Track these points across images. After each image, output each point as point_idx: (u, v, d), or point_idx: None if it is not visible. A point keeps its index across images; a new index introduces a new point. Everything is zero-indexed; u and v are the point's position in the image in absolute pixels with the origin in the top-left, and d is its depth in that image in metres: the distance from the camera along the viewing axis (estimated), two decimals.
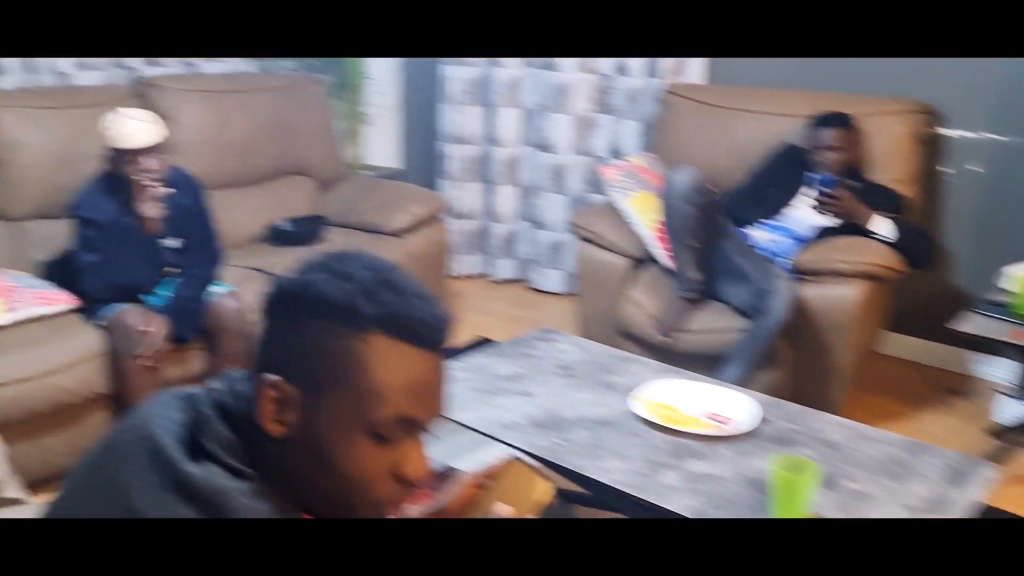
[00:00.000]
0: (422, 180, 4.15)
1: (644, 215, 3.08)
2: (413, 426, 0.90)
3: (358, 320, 0.86)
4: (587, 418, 2.02)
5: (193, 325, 2.57)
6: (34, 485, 2.36)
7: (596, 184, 3.95)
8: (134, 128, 2.45)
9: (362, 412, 0.86)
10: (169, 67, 3.83)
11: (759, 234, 3.01)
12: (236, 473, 0.86)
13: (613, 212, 3.19)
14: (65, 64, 3.49)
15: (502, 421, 2.01)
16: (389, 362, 0.87)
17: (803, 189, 3.03)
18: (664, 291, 2.97)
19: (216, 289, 2.67)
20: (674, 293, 2.91)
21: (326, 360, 0.87)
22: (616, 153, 3.86)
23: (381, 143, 4.52)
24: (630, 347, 2.97)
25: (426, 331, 0.89)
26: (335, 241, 3.30)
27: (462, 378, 2.21)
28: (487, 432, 1.97)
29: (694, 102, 3.47)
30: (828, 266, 2.76)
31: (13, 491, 1.65)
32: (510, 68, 3.98)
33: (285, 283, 0.90)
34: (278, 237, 3.30)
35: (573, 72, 3.81)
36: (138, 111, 2.53)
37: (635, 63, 3.68)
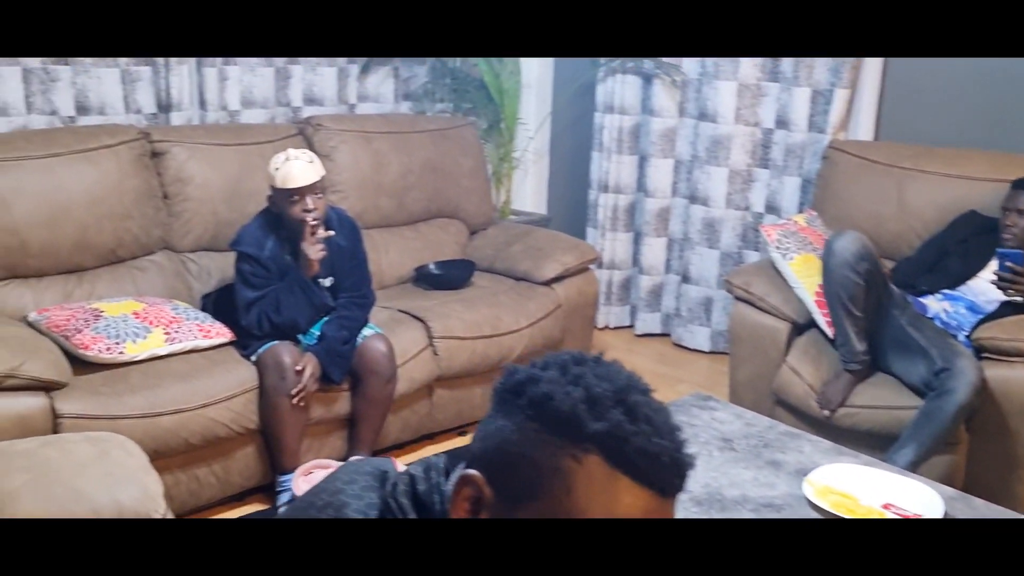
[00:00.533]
0: (567, 227, 4.09)
1: (805, 278, 2.91)
2: None
3: (576, 433, 0.75)
4: (752, 498, 1.87)
5: (343, 367, 2.56)
6: (181, 515, 2.39)
7: (751, 240, 3.79)
8: (297, 168, 2.48)
9: None
10: (327, 107, 3.93)
11: (934, 304, 2.79)
12: None
13: (772, 272, 3.03)
14: (233, 101, 3.62)
15: None
16: (600, 493, 0.74)
17: (987, 261, 2.79)
18: (825, 360, 2.78)
19: (366, 331, 2.66)
20: (837, 365, 2.71)
21: (531, 471, 0.76)
22: (773, 209, 3.69)
23: (528, 189, 4.49)
24: (785, 417, 2.79)
25: (653, 468, 0.75)
26: (483, 287, 3.25)
27: None
28: None
29: (861, 159, 3.28)
30: (1015, 345, 2.51)
31: None
32: (666, 118, 3.88)
33: (515, 372, 0.81)
34: (426, 280, 3.29)
35: (731, 124, 3.68)
36: (302, 151, 2.56)
37: (799, 117, 3.52)
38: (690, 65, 3.81)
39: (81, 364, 2.35)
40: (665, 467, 0.76)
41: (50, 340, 2.36)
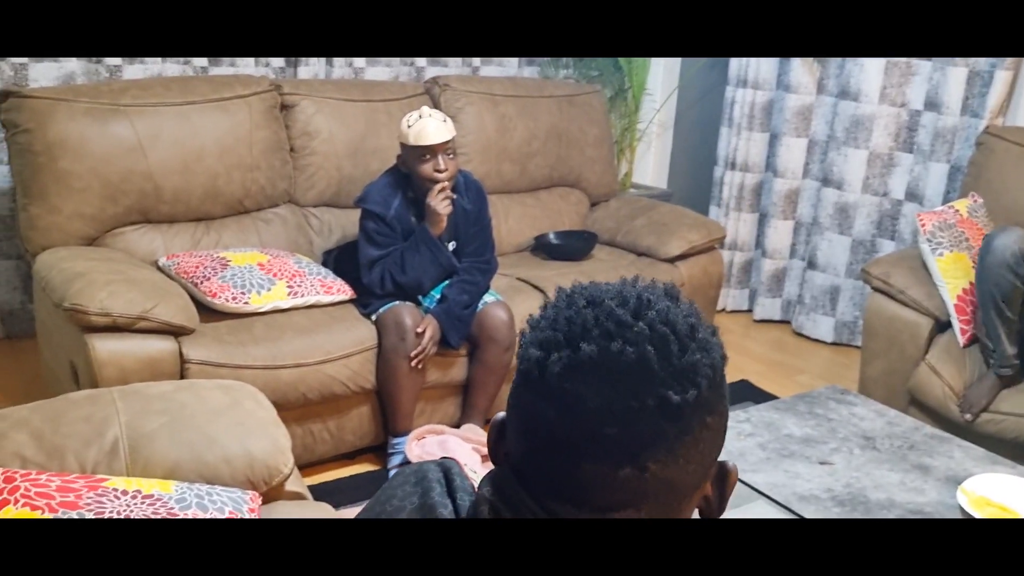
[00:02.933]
0: (688, 204, 3.94)
1: (951, 279, 2.71)
2: None
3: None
4: (899, 503, 1.74)
5: (463, 332, 2.51)
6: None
7: (887, 228, 3.59)
8: (432, 126, 2.42)
9: None
10: (451, 68, 3.87)
11: None
12: None
13: (915, 263, 2.84)
14: (358, 58, 3.60)
15: (797, 491, 1.77)
16: None
17: None
18: (969, 361, 2.60)
19: (487, 298, 2.61)
20: (988, 369, 2.53)
21: None
22: (915, 197, 3.47)
23: (650, 162, 4.36)
24: (920, 417, 2.62)
25: None
26: (603, 260, 3.16)
27: (746, 432, 1.99)
28: (781, 502, 1.74)
29: (1022, 147, 3.03)
30: None
31: (298, 485, 1.62)
32: (803, 95, 3.69)
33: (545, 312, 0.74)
34: (545, 249, 3.22)
35: (875, 104, 3.47)
36: (434, 110, 2.51)
37: (952, 99, 3.28)
38: None
39: (207, 311, 2.37)
40: None
41: (179, 285, 2.38)
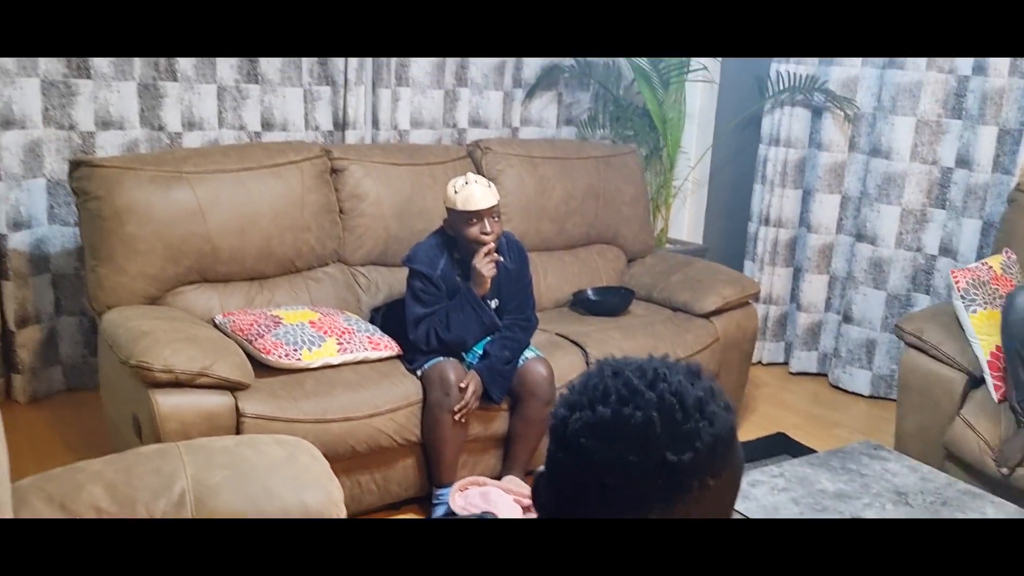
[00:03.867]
0: (723, 259, 4.03)
1: (984, 335, 2.75)
2: None
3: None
4: None
5: (504, 387, 2.61)
6: None
7: (921, 283, 3.63)
8: (478, 191, 2.55)
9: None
10: (492, 130, 4.03)
11: None
12: None
13: (948, 318, 2.89)
14: (403, 121, 3.77)
15: None
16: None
17: None
18: (1004, 415, 2.63)
19: (527, 353, 2.70)
20: (1020, 427, 2.56)
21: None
22: (949, 252, 3.52)
23: (685, 218, 4.46)
24: (956, 472, 2.65)
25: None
26: (640, 315, 3.24)
27: (779, 487, 2.05)
28: None
29: None
30: None
31: None
32: (835, 153, 3.77)
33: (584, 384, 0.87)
34: (584, 305, 3.31)
35: (906, 161, 3.54)
36: (479, 176, 2.63)
37: (983, 156, 3.35)
38: (864, 98, 3.69)
39: (261, 367, 2.49)
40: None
41: (235, 342, 2.50)
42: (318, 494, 1.65)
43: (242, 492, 1.60)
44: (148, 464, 1.61)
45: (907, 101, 3.50)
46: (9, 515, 1.20)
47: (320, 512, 1.63)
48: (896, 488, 2.08)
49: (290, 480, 1.65)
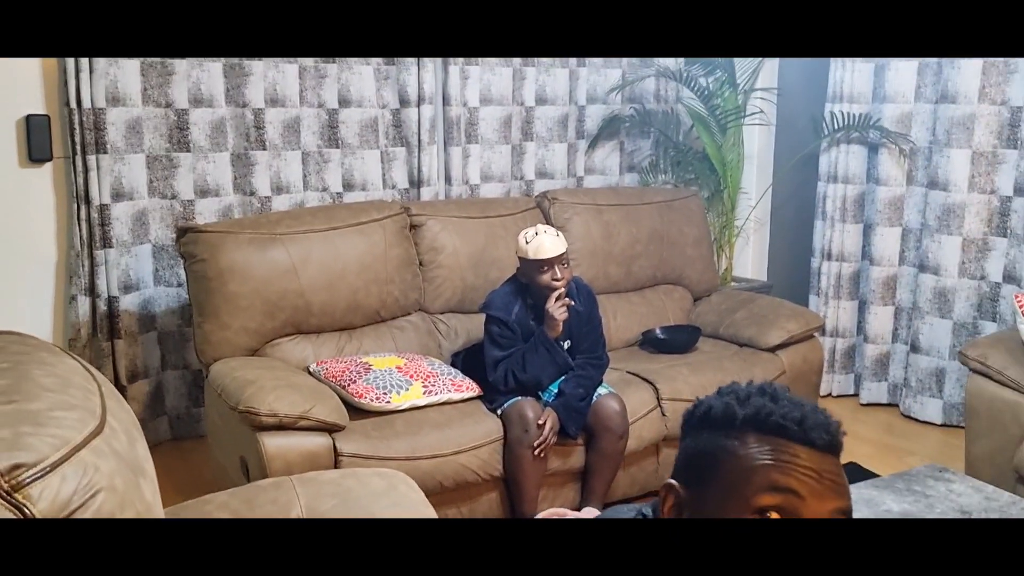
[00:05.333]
0: (788, 294, 4.13)
1: None
2: (796, 504, 0.93)
3: (731, 422, 0.98)
4: None
5: (579, 422, 2.76)
6: None
7: (987, 310, 3.68)
8: (549, 241, 2.74)
9: (736, 491, 0.95)
10: (557, 180, 4.23)
11: None
12: None
13: (1013, 343, 2.95)
14: (474, 176, 4.00)
15: None
16: (758, 448, 0.96)
17: None
18: None
19: (600, 390, 2.86)
20: None
21: (708, 458, 0.99)
22: (1013, 279, 3.58)
23: (749, 256, 4.58)
24: None
25: (800, 428, 0.95)
26: (707, 351, 3.37)
27: None
28: None
29: None
30: None
31: None
32: (893, 187, 3.87)
33: (690, 408, 1.06)
34: (653, 344, 3.46)
35: (964, 192, 3.62)
36: (548, 226, 2.82)
37: None
38: (918, 133, 3.79)
39: (354, 410, 2.69)
40: (810, 425, 0.95)
41: (329, 388, 2.72)
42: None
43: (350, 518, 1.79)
44: (266, 495, 1.81)
45: (961, 134, 3.59)
46: None
47: None
48: (960, 507, 2.16)
49: (391, 507, 1.84)
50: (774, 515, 0.93)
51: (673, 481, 1.03)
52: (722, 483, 0.96)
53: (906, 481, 2.31)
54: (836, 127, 3.92)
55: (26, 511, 1.00)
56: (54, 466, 1.06)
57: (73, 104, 3.11)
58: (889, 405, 4.06)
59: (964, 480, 2.33)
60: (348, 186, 3.79)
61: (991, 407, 2.89)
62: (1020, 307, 2.93)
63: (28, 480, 1.02)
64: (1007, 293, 3.61)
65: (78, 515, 1.07)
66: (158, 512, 1.35)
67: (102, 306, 3.27)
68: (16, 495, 1.00)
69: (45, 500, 1.03)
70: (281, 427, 2.45)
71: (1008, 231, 3.60)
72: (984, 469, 2.89)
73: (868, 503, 2.18)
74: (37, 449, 1.06)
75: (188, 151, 3.43)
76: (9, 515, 0.98)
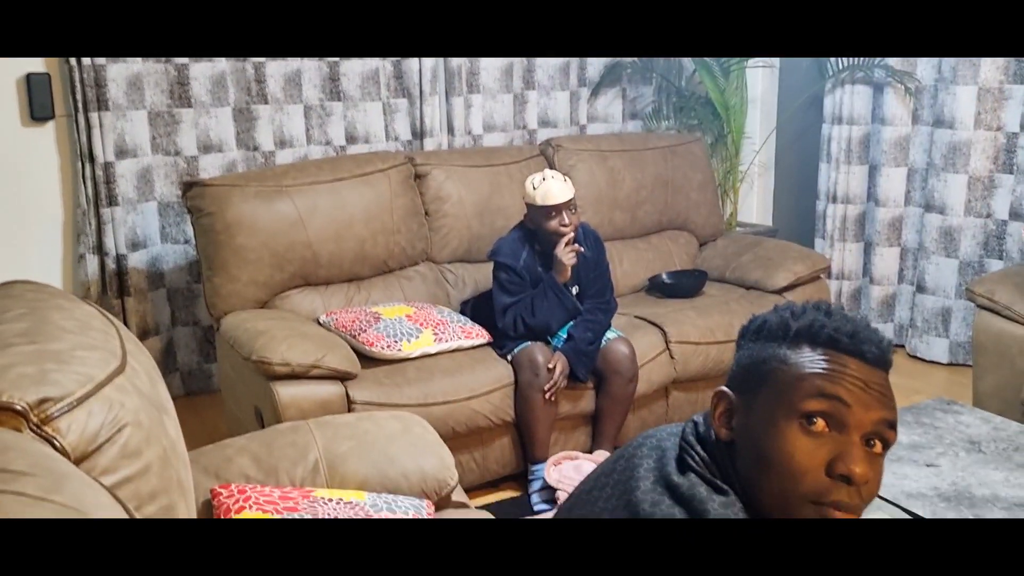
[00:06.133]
0: (794, 238, 4.13)
1: None
2: (843, 414, 0.96)
3: (784, 333, 1.01)
4: (1003, 498, 1.90)
5: (589, 366, 2.78)
6: None
7: (994, 248, 3.68)
8: (556, 187, 2.73)
9: (785, 398, 0.98)
10: (560, 129, 4.21)
11: None
12: (711, 486, 1.01)
13: (1021, 279, 2.96)
14: (476, 126, 3.98)
15: (906, 490, 1.95)
16: (810, 358, 0.98)
17: None
18: None
19: (609, 334, 2.87)
20: None
21: (760, 367, 1.02)
22: (1019, 216, 3.57)
23: (754, 201, 4.57)
24: None
25: (851, 340, 0.98)
26: (714, 295, 3.38)
27: None
28: (890, 499, 1.93)
29: None
30: None
31: (461, 495, 1.91)
32: (898, 126, 3.85)
33: (746, 323, 1.08)
34: (659, 288, 3.47)
35: (971, 129, 3.60)
36: (555, 172, 2.82)
37: None
38: (924, 71, 3.76)
39: (366, 359, 2.71)
40: (862, 340, 0.98)
41: (339, 337, 2.74)
42: (433, 460, 1.86)
43: (367, 459, 1.81)
44: (284, 438, 1.84)
45: (968, 70, 3.56)
46: (192, 493, 1.42)
47: (435, 475, 1.83)
48: (969, 438, 2.19)
49: (408, 448, 1.86)
50: (820, 422, 0.97)
51: (725, 389, 1.06)
52: (772, 389, 0.99)
53: (915, 414, 2.33)
54: (840, 68, 3.88)
55: (56, 443, 1.02)
56: (80, 400, 1.07)
57: (73, 61, 3.09)
58: (896, 346, 4.08)
59: (972, 412, 2.35)
60: (351, 139, 3.77)
61: (999, 342, 2.91)
62: None
63: (57, 413, 1.04)
64: (1014, 230, 3.61)
65: (106, 449, 1.09)
66: (182, 450, 1.37)
67: (110, 264, 3.28)
68: (46, 427, 1.02)
69: (74, 433, 1.05)
70: (294, 376, 2.47)
71: (1015, 167, 3.59)
72: (992, 404, 2.91)
73: None
74: (63, 384, 1.07)
75: (190, 106, 3.42)
76: (42, 446, 1.00)
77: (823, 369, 0.97)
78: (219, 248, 2.86)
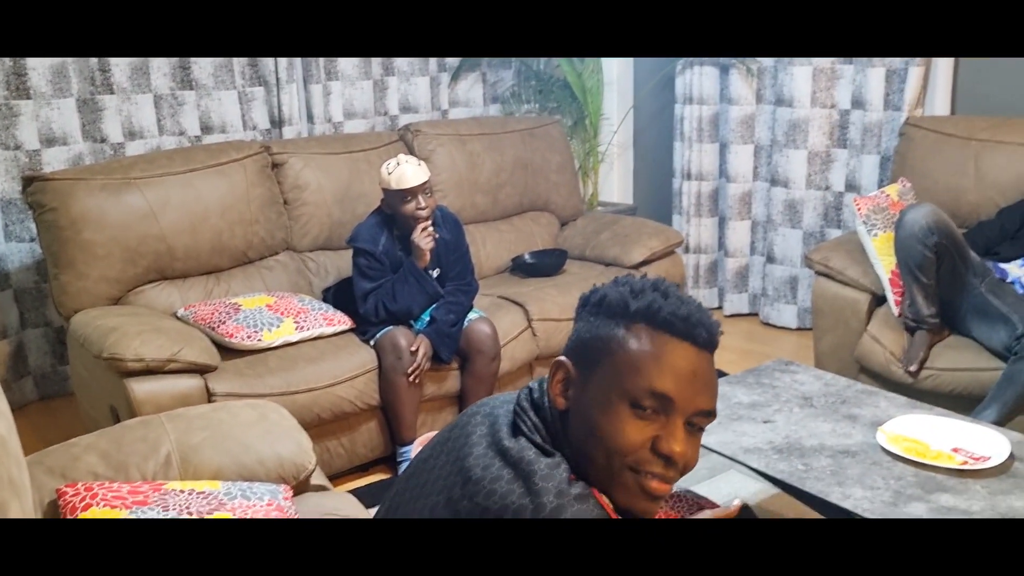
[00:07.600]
0: (653, 215, 4.29)
1: (885, 256, 3.03)
2: (668, 404, 1.04)
3: (623, 312, 1.06)
4: (829, 447, 2.06)
5: (452, 347, 2.83)
6: None
7: (832, 219, 3.92)
8: (410, 171, 2.76)
9: (620, 382, 1.04)
10: (422, 114, 4.23)
11: (1015, 269, 2.89)
12: (541, 449, 1.08)
13: (851, 246, 3.17)
14: (336, 113, 3.95)
15: (743, 445, 2.08)
16: (646, 344, 1.04)
17: None
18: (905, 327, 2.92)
19: (471, 315, 2.93)
20: (906, 324, 2.85)
21: (599, 345, 1.07)
22: (854, 188, 3.82)
23: (614, 180, 4.71)
24: (869, 383, 2.93)
25: (685, 325, 1.05)
26: (575, 273, 3.49)
27: None
28: (729, 455, 2.05)
29: (937, 134, 3.38)
30: None
31: (320, 479, 1.93)
32: (744, 106, 4.04)
33: (586, 293, 1.13)
34: (522, 268, 3.55)
35: (808, 108, 3.82)
36: (409, 156, 2.84)
37: (875, 97, 3.64)
38: None
39: (226, 350, 2.68)
40: (694, 324, 1.05)
41: (198, 331, 2.69)
42: (290, 445, 1.87)
43: (222, 449, 1.80)
44: (135, 433, 1.81)
45: None
46: (28, 491, 1.38)
47: (292, 459, 1.84)
48: (803, 394, 2.35)
49: (263, 435, 1.86)
50: (649, 408, 1.04)
51: (564, 359, 1.11)
52: (609, 370, 1.05)
53: (755, 376, 2.48)
54: None
55: None
56: None
57: None
58: (750, 315, 4.30)
59: (807, 371, 2.52)
60: (206, 129, 3.69)
61: (834, 305, 3.12)
62: (859, 210, 3.14)
63: None
64: (849, 201, 3.86)
65: None
66: (14, 448, 1.33)
67: None
68: None
69: None
70: (149, 371, 2.43)
71: (847, 142, 3.83)
72: (831, 363, 3.12)
73: (722, 397, 2.34)
74: None
75: (29, 98, 3.27)
76: None
77: (657, 361, 1.03)
78: (65, 245, 2.77)
